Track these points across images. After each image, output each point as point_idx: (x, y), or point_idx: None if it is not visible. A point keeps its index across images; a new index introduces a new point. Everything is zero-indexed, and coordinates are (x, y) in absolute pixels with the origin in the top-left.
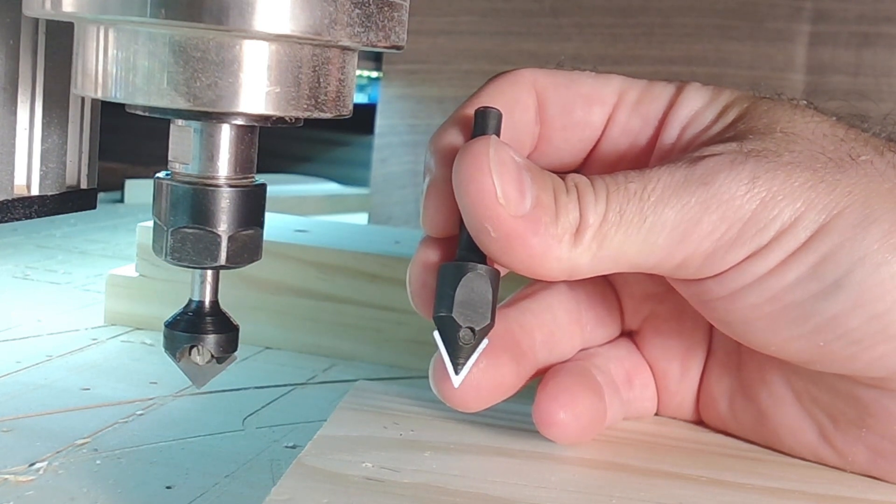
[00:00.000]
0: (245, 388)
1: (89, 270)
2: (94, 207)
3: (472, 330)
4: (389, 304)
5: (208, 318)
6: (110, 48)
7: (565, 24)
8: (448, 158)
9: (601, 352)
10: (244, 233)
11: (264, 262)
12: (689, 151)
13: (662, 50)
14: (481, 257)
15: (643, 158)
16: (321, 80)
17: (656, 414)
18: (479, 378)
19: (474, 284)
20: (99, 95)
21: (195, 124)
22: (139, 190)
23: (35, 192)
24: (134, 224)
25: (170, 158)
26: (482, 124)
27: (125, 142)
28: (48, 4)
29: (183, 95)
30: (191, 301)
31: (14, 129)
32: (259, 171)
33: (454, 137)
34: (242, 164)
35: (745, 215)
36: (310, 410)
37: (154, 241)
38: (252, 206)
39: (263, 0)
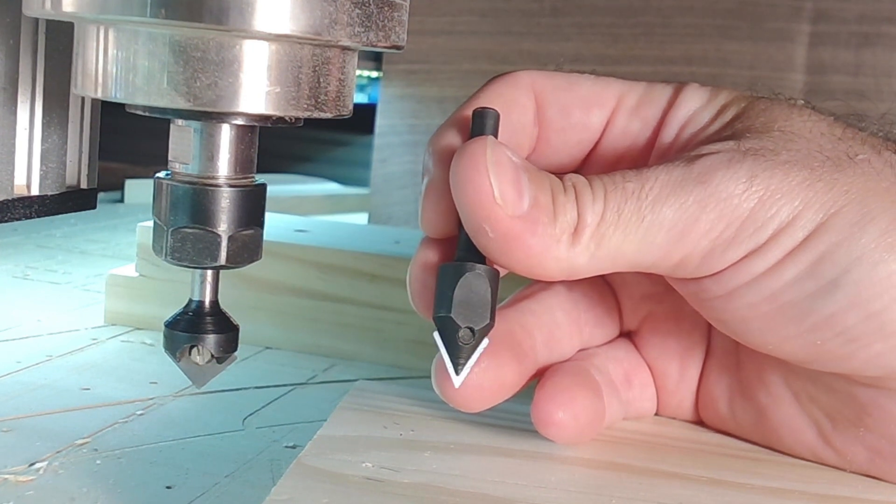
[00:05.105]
0: (245, 388)
1: (89, 270)
2: (94, 207)
3: (472, 330)
4: (389, 304)
5: (208, 317)
6: (110, 48)
7: (565, 24)
8: (446, 159)
9: (600, 352)
10: (244, 233)
11: (264, 262)
12: (687, 150)
13: (662, 50)
14: (480, 258)
15: (642, 159)
16: (321, 80)
17: (656, 414)
18: (482, 378)
19: (473, 284)
20: (99, 95)
21: (195, 124)
22: (139, 190)
23: (35, 191)
24: (134, 224)
25: (170, 158)
26: (480, 125)
27: (125, 142)
28: (48, 4)
29: (183, 95)
30: (191, 301)
31: (14, 129)
32: (259, 171)
33: (452, 138)
34: (242, 164)
35: (742, 214)
36: (310, 410)
37: (154, 240)
38: (252, 206)
39: (263, 0)
